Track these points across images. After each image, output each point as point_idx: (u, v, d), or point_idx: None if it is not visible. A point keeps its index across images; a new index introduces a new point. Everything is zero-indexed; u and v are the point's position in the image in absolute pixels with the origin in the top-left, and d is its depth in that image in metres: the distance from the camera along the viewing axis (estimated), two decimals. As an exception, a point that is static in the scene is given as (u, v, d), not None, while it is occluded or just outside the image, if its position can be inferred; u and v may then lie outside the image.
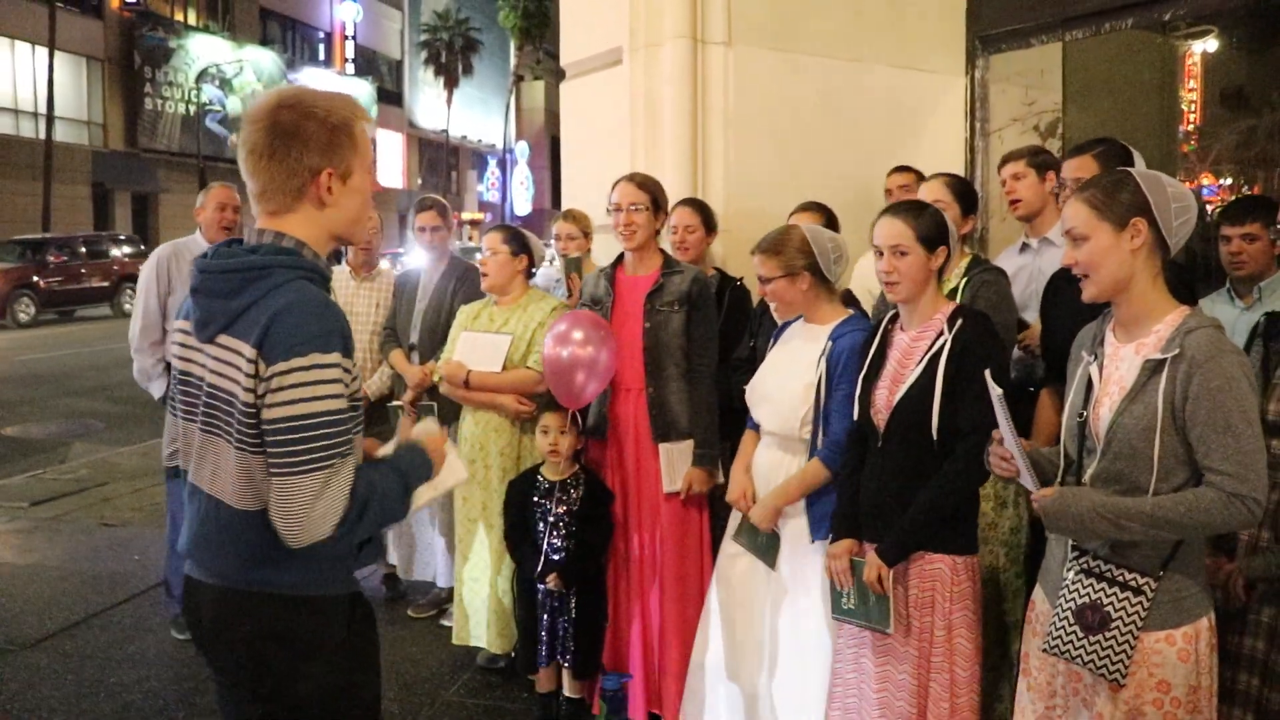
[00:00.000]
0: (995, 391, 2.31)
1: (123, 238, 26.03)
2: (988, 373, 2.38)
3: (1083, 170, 3.18)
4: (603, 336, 3.70)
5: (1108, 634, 2.21)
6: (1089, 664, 2.23)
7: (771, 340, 3.52)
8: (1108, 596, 2.24)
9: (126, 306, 23.15)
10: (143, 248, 25.04)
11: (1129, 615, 2.21)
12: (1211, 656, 2.28)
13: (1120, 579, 2.23)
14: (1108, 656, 2.21)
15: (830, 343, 3.19)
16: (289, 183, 1.96)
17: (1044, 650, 2.33)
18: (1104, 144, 3.24)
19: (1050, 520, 2.25)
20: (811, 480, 3.19)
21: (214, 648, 2.10)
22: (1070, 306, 3.15)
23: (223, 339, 1.92)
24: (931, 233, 2.84)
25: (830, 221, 4.06)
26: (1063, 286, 3.34)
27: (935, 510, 2.79)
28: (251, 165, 1.97)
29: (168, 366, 4.93)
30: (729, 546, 3.49)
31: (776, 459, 3.33)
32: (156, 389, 4.99)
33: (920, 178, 4.56)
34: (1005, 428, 2.33)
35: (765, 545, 3.35)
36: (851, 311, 3.36)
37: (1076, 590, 2.28)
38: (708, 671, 3.53)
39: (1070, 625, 2.27)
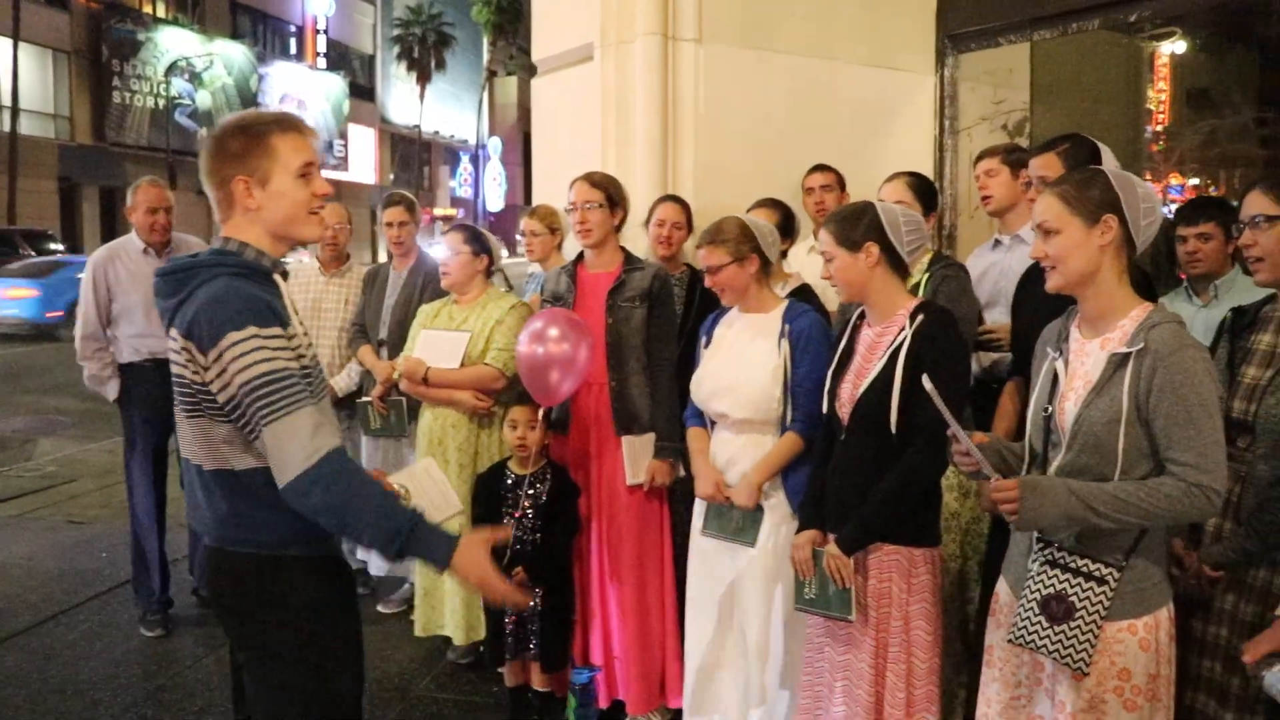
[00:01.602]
0: (928, 386, 2.36)
1: (46, 232, 24.63)
2: (925, 376, 2.42)
3: (1047, 168, 3.20)
4: (580, 333, 3.71)
5: (1072, 624, 2.25)
6: (1054, 654, 2.27)
7: (703, 335, 3.55)
8: (1072, 587, 2.27)
9: None
10: (60, 245, 24.23)
11: (1093, 605, 2.25)
12: (1170, 645, 2.33)
13: (1085, 569, 2.27)
14: (1072, 646, 2.25)
15: (787, 325, 3.28)
16: (220, 194, 2.28)
17: (1010, 641, 2.37)
18: (1069, 140, 3.24)
19: (1026, 499, 2.23)
20: (789, 451, 3.25)
21: (213, 603, 2.44)
22: (1041, 302, 3.20)
23: (172, 331, 2.21)
24: (851, 235, 2.91)
25: (787, 217, 4.10)
26: (1034, 282, 3.38)
27: (891, 502, 2.83)
28: (204, 185, 2.30)
29: (120, 368, 4.91)
30: (701, 542, 3.50)
31: (750, 443, 3.35)
32: (111, 391, 4.95)
33: (839, 178, 4.60)
34: (953, 424, 2.37)
35: (742, 526, 3.35)
36: (787, 300, 3.44)
37: (1042, 581, 2.32)
38: (705, 666, 3.54)
39: (1036, 616, 2.30)
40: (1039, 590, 2.32)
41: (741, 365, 3.33)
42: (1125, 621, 2.27)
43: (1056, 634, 2.27)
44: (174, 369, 2.22)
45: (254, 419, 2.09)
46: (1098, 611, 2.25)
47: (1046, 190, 2.39)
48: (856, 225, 2.92)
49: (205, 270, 2.20)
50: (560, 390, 3.72)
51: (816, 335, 3.25)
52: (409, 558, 2.19)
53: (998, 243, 3.99)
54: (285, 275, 2.37)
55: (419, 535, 2.15)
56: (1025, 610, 2.33)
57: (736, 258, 3.32)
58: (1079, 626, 2.25)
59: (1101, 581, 2.26)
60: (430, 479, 2.62)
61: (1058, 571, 2.30)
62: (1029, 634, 2.31)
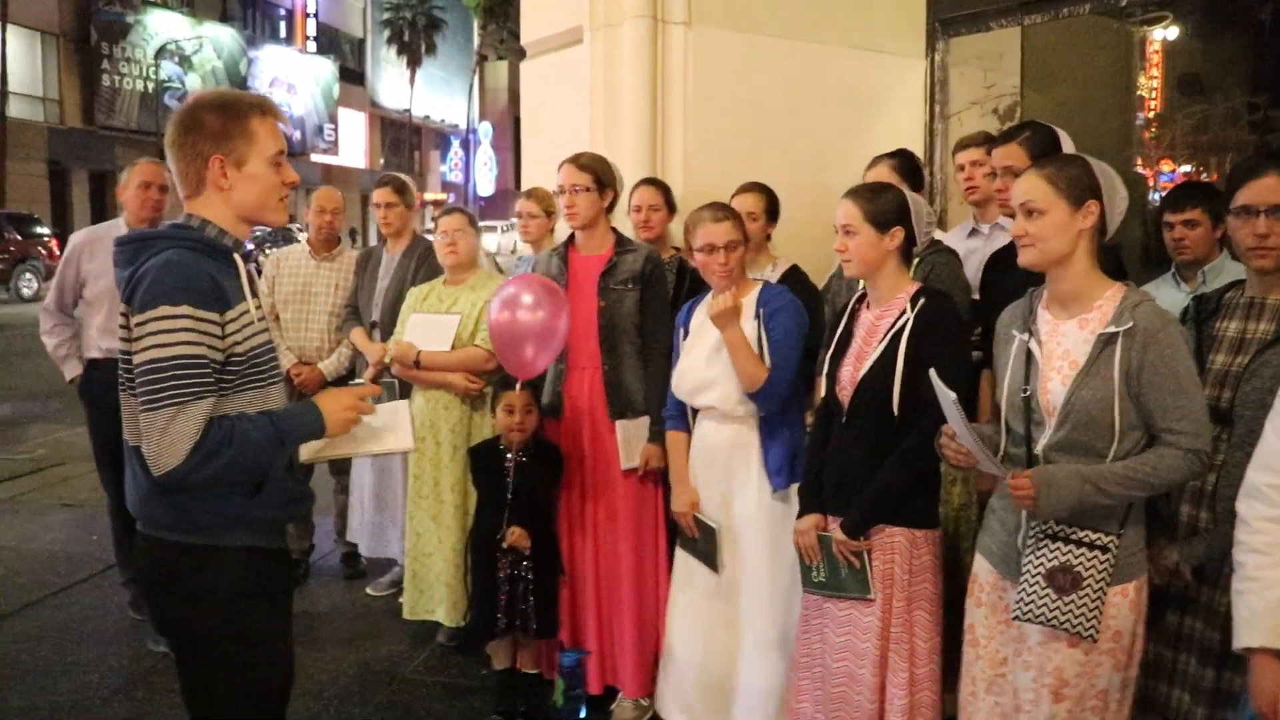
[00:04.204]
0: (948, 396, 2.38)
1: (33, 216, 24.63)
2: (934, 374, 2.44)
3: (1011, 158, 3.26)
4: (557, 302, 3.63)
5: (1080, 593, 2.33)
6: (1064, 624, 2.34)
7: (679, 327, 3.59)
8: (1076, 557, 2.35)
9: (25, 291, 22.45)
10: (47, 230, 24.19)
11: (1099, 573, 2.34)
12: (1146, 605, 2.47)
13: (1086, 539, 2.36)
14: (1082, 615, 2.33)
15: (760, 309, 3.33)
16: (189, 169, 2.27)
17: (1015, 618, 2.42)
18: (1029, 128, 3.31)
19: (1042, 493, 2.32)
20: (757, 375, 3.25)
21: (141, 590, 2.44)
22: (1013, 286, 3.22)
23: (120, 305, 2.22)
24: (882, 215, 2.90)
25: (771, 202, 4.07)
26: (997, 273, 3.39)
27: (895, 484, 2.86)
28: (168, 156, 2.29)
29: (86, 364, 4.77)
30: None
31: (733, 434, 3.40)
32: (69, 369, 4.84)
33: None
34: (961, 427, 2.41)
35: (703, 546, 3.46)
36: (761, 281, 3.49)
37: (1044, 555, 2.38)
38: (678, 653, 3.59)
39: (1043, 589, 2.36)
40: (1042, 564, 2.38)
41: (721, 358, 3.35)
42: (1120, 586, 2.39)
43: (1066, 605, 2.34)
44: (120, 345, 2.24)
45: (150, 394, 2.09)
46: (1104, 579, 2.34)
47: (1032, 172, 2.46)
48: (889, 206, 2.93)
49: (161, 241, 2.22)
50: (536, 364, 3.65)
51: (786, 316, 3.32)
52: (296, 444, 2.35)
53: (975, 231, 4.00)
54: (246, 257, 2.36)
55: (292, 430, 2.28)
56: (1030, 585, 2.39)
57: (743, 238, 3.40)
58: (1086, 595, 2.33)
59: (1105, 550, 2.35)
60: (395, 416, 2.65)
61: (1059, 544, 2.38)
62: (1036, 608, 2.37)
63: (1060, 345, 2.44)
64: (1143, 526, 2.46)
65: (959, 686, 2.67)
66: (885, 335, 2.89)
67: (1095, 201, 2.39)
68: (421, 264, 4.88)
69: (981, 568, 2.62)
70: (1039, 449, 2.44)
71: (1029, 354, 2.47)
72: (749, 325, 3.33)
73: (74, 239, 4.85)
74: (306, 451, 2.50)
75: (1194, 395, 2.33)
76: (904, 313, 2.88)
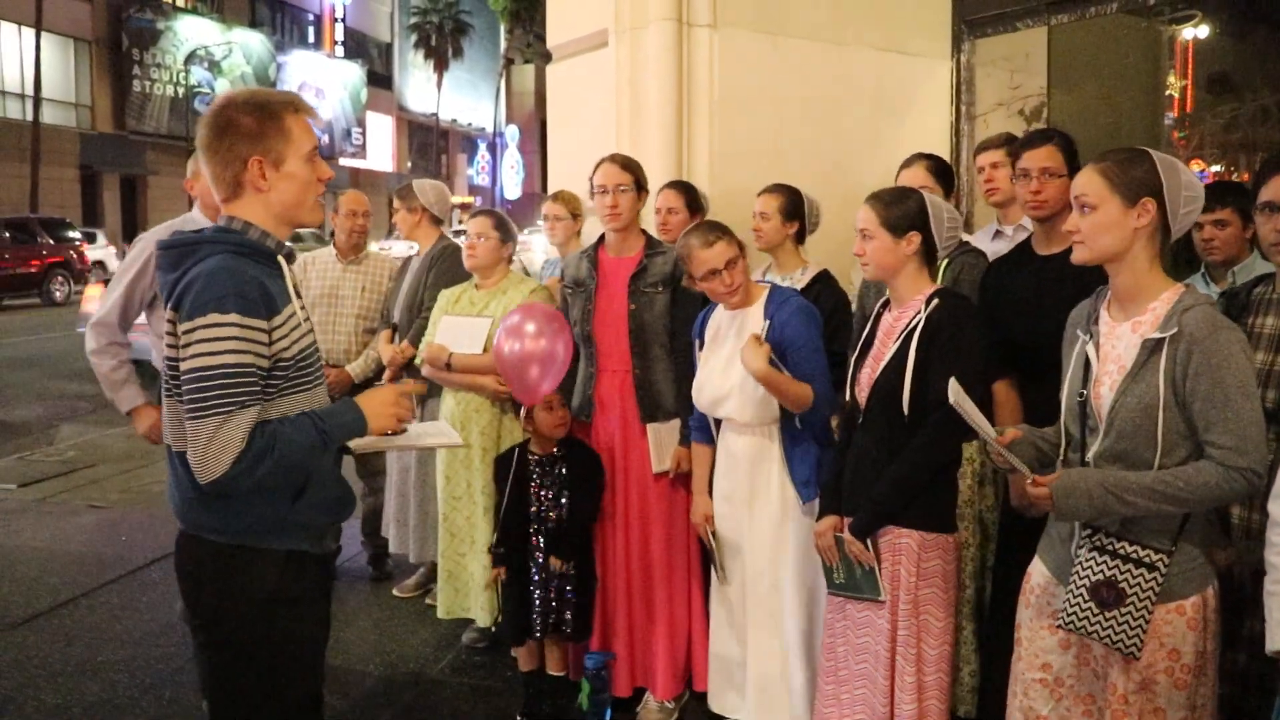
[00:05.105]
0: (953, 398, 2.36)
1: (64, 220, 24.72)
2: (953, 380, 2.42)
3: (1050, 160, 3.22)
4: (556, 328, 3.68)
5: (1123, 609, 2.26)
6: (1105, 639, 2.28)
7: (695, 338, 3.58)
8: (1122, 573, 2.28)
9: (57, 295, 22.40)
10: (78, 232, 24.32)
11: (1144, 590, 2.26)
12: (1217, 621, 2.35)
13: (1134, 555, 2.28)
14: (1124, 631, 2.26)
15: (768, 320, 3.31)
16: (226, 171, 2.22)
17: (1060, 626, 2.38)
18: (1057, 134, 3.30)
19: (1059, 501, 2.28)
20: (798, 393, 3.23)
21: (179, 585, 2.39)
22: (1015, 297, 3.20)
23: (166, 310, 2.18)
24: (898, 221, 2.89)
25: (790, 203, 4.02)
26: (1003, 277, 3.36)
27: (900, 484, 2.84)
28: (201, 158, 2.24)
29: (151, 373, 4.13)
30: (721, 532, 3.58)
31: (754, 444, 3.40)
32: (127, 399, 3.96)
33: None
34: (982, 431, 2.39)
35: (712, 557, 3.55)
36: (768, 285, 3.48)
37: (1090, 567, 2.33)
38: (719, 653, 3.61)
39: (1086, 602, 2.31)
40: (1088, 576, 2.32)
41: (735, 368, 3.34)
42: (1174, 603, 2.29)
43: (1108, 619, 2.28)
44: (165, 350, 2.19)
45: (197, 403, 2.08)
46: (1149, 597, 2.26)
47: (1090, 166, 2.39)
48: (904, 211, 2.91)
49: (206, 246, 2.17)
50: (540, 388, 3.68)
51: (798, 321, 3.29)
52: (338, 445, 2.32)
53: (999, 233, 3.98)
54: (290, 258, 2.34)
55: (334, 430, 2.25)
56: (1075, 596, 2.34)
57: (741, 252, 3.38)
58: (1130, 612, 2.26)
59: (1152, 567, 2.26)
60: (437, 429, 2.68)
61: (1106, 558, 2.31)
62: (1079, 619, 2.32)
63: (1114, 349, 2.37)
64: (1202, 543, 2.34)
65: (1009, 685, 2.64)
66: (899, 336, 2.89)
67: (1152, 200, 2.29)
68: (434, 266, 4.90)
69: (1036, 569, 2.58)
70: (1090, 455, 2.38)
71: (1087, 357, 2.42)
72: (759, 325, 3.32)
73: (146, 240, 3.99)
74: (358, 444, 2.46)
75: (1242, 408, 2.18)
76: (918, 313, 2.88)
